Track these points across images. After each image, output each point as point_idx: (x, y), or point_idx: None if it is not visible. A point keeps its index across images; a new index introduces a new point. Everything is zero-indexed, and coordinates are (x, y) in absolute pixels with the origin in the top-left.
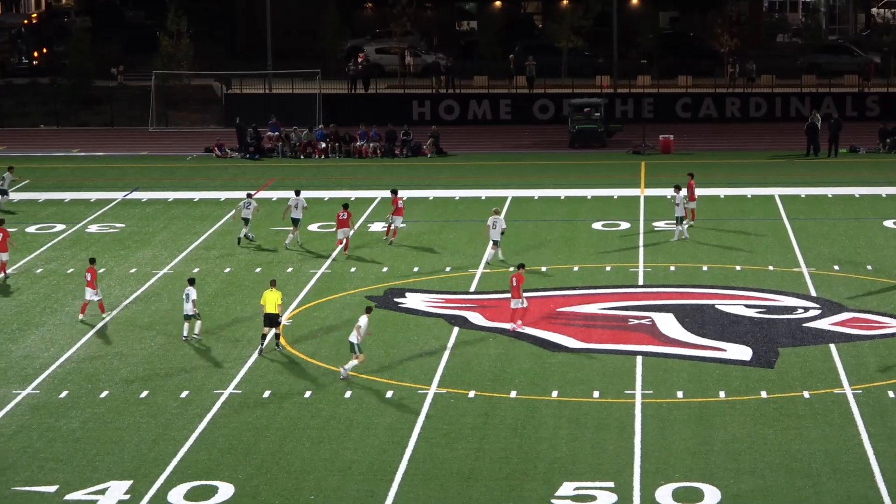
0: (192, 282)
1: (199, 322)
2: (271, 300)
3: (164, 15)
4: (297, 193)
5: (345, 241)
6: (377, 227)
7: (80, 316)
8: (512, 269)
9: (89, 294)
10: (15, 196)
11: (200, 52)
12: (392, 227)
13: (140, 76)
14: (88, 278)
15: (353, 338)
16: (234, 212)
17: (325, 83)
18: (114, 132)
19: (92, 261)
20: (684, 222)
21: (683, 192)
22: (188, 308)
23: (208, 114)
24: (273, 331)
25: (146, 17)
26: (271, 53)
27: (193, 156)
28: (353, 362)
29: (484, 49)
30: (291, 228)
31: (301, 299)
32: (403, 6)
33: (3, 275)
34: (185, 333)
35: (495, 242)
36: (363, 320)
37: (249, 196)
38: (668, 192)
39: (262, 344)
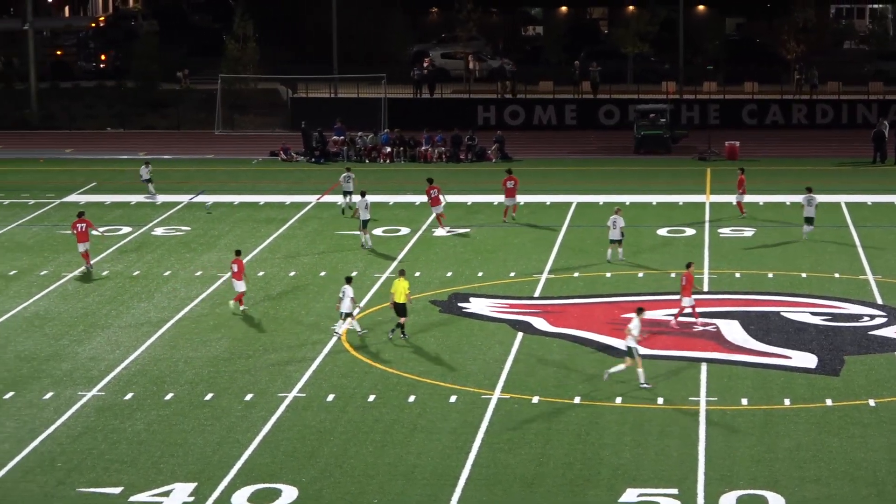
0: (349, 280)
1: (356, 321)
2: (400, 289)
3: (231, 19)
4: (363, 195)
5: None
6: (441, 232)
7: (241, 307)
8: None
9: (239, 286)
10: (81, 199)
11: (266, 55)
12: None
13: (206, 80)
14: (235, 269)
15: (346, 308)
16: (338, 184)
17: (390, 87)
18: (180, 135)
19: (238, 252)
20: (806, 227)
21: (816, 197)
22: (347, 305)
23: (274, 117)
24: (402, 318)
25: (213, 20)
26: (337, 57)
27: (259, 159)
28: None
29: (549, 54)
30: (362, 231)
31: (366, 303)
32: (469, 11)
33: (88, 267)
34: (337, 329)
35: (615, 241)
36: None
37: (349, 170)
38: (735, 198)
39: (392, 332)
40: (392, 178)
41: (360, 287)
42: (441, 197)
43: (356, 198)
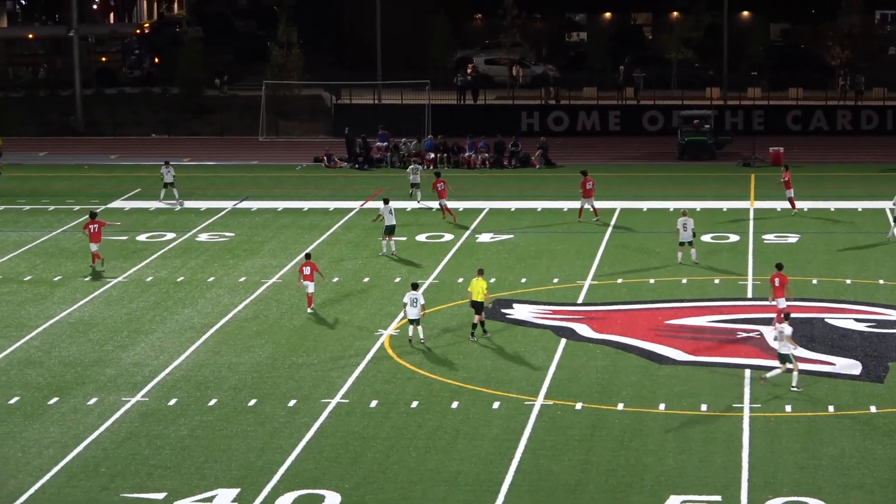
0: (415, 286)
1: (420, 327)
2: (478, 288)
3: (275, 25)
4: (387, 202)
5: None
6: (485, 237)
7: (309, 309)
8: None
9: (310, 288)
10: (126, 205)
11: (310, 62)
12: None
13: (251, 86)
14: (307, 272)
15: (413, 314)
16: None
17: (433, 94)
18: (224, 141)
19: (308, 255)
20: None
21: None
22: (413, 313)
23: (317, 123)
24: (477, 317)
25: (257, 27)
26: (381, 64)
27: (303, 165)
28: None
29: (593, 60)
30: (385, 237)
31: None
32: (513, 17)
33: (99, 262)
34: (421, 337)
35: (686, 244)
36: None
37: (415, 163)
38: (780, 204)
39: (473, 331)
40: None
41: (404, 293)
42: (447, 190)
43: (382, 208)
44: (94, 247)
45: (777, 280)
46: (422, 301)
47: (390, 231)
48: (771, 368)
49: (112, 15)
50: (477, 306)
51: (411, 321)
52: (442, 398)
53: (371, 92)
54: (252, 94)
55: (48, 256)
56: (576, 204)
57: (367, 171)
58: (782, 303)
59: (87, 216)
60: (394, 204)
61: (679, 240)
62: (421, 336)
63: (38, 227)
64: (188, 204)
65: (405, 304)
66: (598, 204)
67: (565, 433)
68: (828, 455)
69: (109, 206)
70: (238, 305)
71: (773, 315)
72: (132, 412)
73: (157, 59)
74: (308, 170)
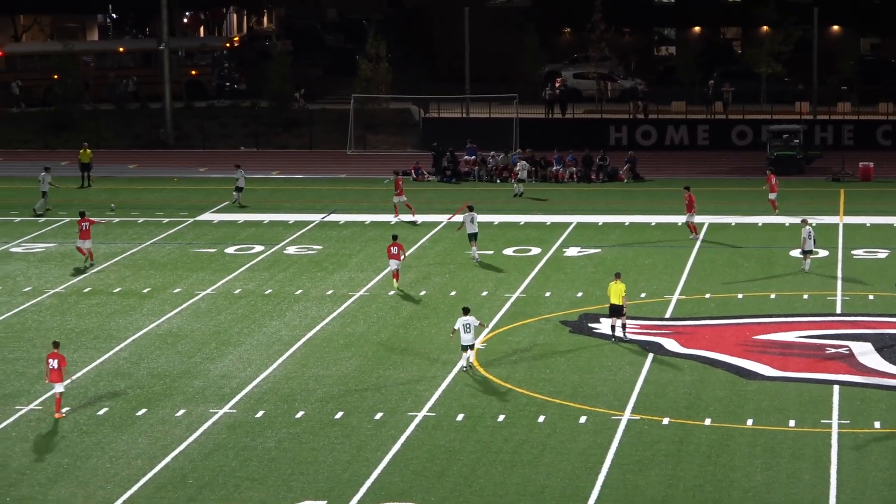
0: (466, 311)
1: (472, 353)
2: (616, 291)
3: (364, 39)
4: (471, 209)
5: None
6: (572, 251)
7: (396, 283)
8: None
9: (395, 265)
10: (214, 217)
11: (399, 76)
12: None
13: (339, 100)
14: (395, 252)
15: (468, 340)
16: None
17: (521, 108)
18: (312, 154)
19: (395, 237)
20: None
21: None
22: (468, 339)
23: (405, 137)
24: (619, 321)
25: (346, 40)
26: (469, 78)
27: (391, 178)
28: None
29: (682, 74)
30: (472, 244)
31: (495, 323)
32: (601, 31)
33: (87, 258)
34: (464, 364)
35: (808, 252)
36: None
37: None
38: (869, 219)
39: (614, 333)
40: (523, 198)
41: (491, 307)
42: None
43: (466, 215)
44: (86, 244)
45: None
46: (475, 323)
47: (472, 238)
48: (858, 384)
49: (202, 29)
50: (616, 310)
51: (464, 347)
52: (528, 412)
53: (459, 105)
54: (341, 107)
55: (137, 269)
56: (663, 218)
57: (454, 184)
58: None
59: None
60: (480, 217)
61: (803, 248)
62: (469, 361)
63: (127, 238)
64: (276, 217)
65: (456, 330)
66: (684, 218)
67: (652, 448)
68: None
69: (198, 218)
70: (325, 318)
71: (859, 331)
72: (220, 424)
73: (245, 73)
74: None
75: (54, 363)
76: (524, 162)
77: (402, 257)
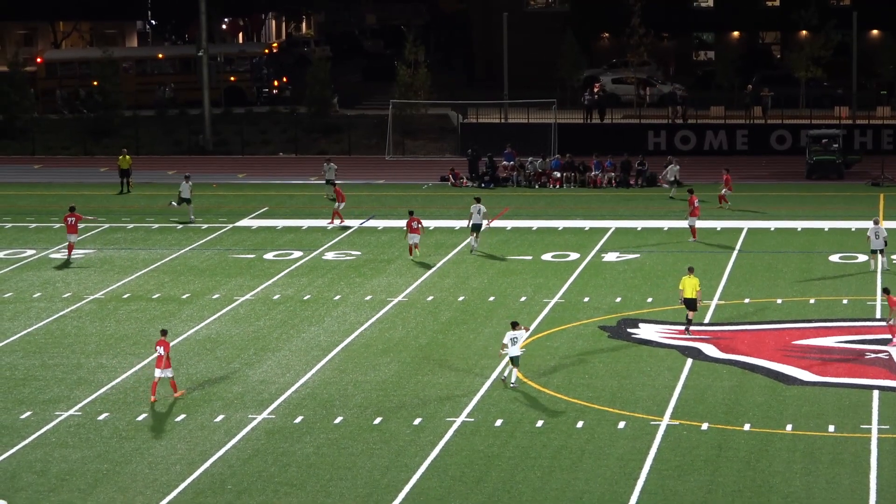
0: (515, 325)
1: (516, 369)
2: (690, 285)
3: (403, 44)
4: (478, 201)
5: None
6: (611, 256)
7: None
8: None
9: (414, 239)
10: (253, 223)
11: (438, 81)
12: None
13: (378, 105)
14: (415, 226)
15: (515, 351)
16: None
17: (560, 113)
18: (351, 160)
19: (411, 212)
20: None
21: None
22: (514, 350)
23: (444, 142)
24: (690, 312)
25: (385, 46)
26: (508, 83)
27: (429, 184)
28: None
29: (721, 79)
30: (473, 235)
31: (534, 328)
32: (640, 36)
33: (73, 253)
34: (513, 380)
35: (877, 251)
36: (521, 334)
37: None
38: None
39: (688, 327)
40: (562, 204)
41: (530, 312)
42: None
43: (473, 206)
44: (71, 237)
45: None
46: (522, 337)
47: (475, 229)
48: None
49: (241, 35)
50: (690, 303)
51: (513, 360)
52: (567, 417)
53: (497, 111)
54: (380, 112)
55: (176, 274)
56: (702, 223)
57: (493, 189)
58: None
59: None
60: (518, 223)
61: (871, 247)
62: (513, 379)
63: (166, 244)
64: (315, 223)
65: (506, 345)
66: (726, 223)
67: (691, 453)
68: None
69: (237, 224)
70: (364, 324)
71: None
72: (258, 429)
73: (285, 79)
74: (434, 188)
75: (161, 350)
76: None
77: (421, 231)
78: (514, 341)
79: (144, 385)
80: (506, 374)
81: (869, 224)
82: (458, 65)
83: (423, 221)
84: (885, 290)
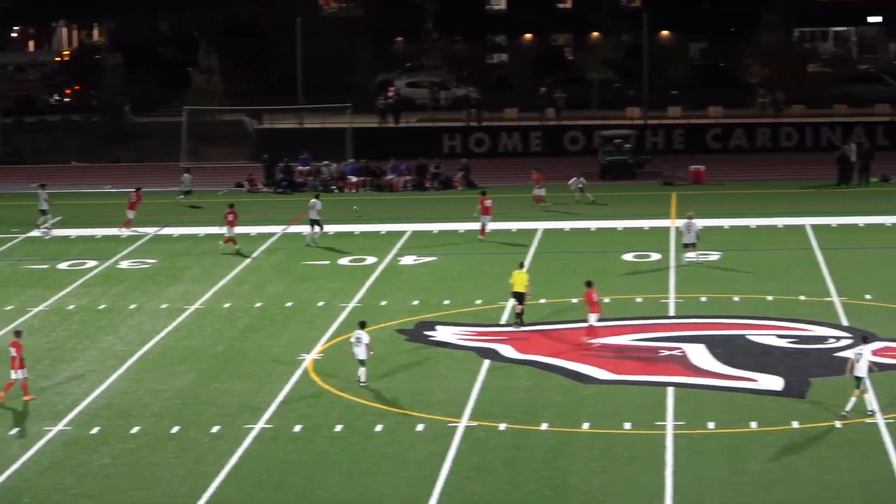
0: (363, 325)
1: (364, 369)
2: (519, 280)
3: (197, 51)
4: (317, 197)
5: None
6: (408, 260)
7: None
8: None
9: (231, 232)
10: (46, 233)
11: (233, 87)
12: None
13: (174, 112)
14: (231, 219)
15: (362, 354)
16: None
17: (355, 117)
18: (145, 168)
19: (231, 205)
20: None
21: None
22: (360, 352)
23: (241, 149)
24: (519, 306)
25: (179, 53)
26: (302, 87)
27: (224, 190)
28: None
29: (515, 81)
30: (311, 229)
31: (332, 333)
32: (434, 40)
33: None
34: (363, 379)
35: (689, 245)
36: (365, 336)
37: (317, 197)
38: (702, 222)
39: (519, 321)
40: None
41: (327, 317)
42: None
43: (311, 202)
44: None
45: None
46: (366, 340)
47: (313, 223)
48: (692, 386)
49: (31, 43)
50: (519, 297)
51: (361, 362)
52: (366, 422)
53: (293, 116)
54: (176, 120)
55: None
56: (498, 225)
57: (290, 195)
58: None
59: None
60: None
61: (683, 241)
62: (363, 378)
63: None
64: (107, 232)
65: (352, 343)
66: (521, 225)
67: (490, 454)
68: (752, 471)
69: (29, 234)
70: (160, 332)
71: (692, 332)
72: (54, 441)
73: (77, 87)
74: (230, 195)
75: (14, 351)
76: (316, 200)
77: (235, 224)
78: (357, 342)
79: None
80: (359, 374)
81: (682, 221)
82: (253, 71)
83: (222, 227)
84: (589, 283)
